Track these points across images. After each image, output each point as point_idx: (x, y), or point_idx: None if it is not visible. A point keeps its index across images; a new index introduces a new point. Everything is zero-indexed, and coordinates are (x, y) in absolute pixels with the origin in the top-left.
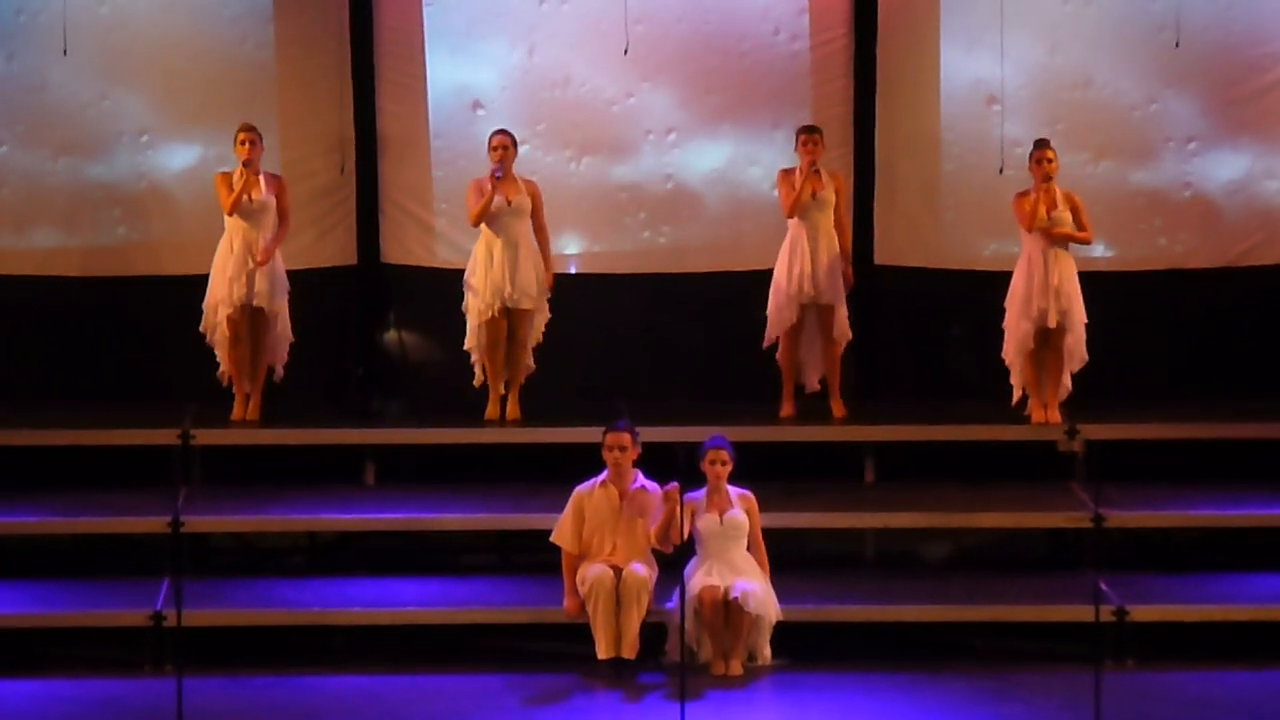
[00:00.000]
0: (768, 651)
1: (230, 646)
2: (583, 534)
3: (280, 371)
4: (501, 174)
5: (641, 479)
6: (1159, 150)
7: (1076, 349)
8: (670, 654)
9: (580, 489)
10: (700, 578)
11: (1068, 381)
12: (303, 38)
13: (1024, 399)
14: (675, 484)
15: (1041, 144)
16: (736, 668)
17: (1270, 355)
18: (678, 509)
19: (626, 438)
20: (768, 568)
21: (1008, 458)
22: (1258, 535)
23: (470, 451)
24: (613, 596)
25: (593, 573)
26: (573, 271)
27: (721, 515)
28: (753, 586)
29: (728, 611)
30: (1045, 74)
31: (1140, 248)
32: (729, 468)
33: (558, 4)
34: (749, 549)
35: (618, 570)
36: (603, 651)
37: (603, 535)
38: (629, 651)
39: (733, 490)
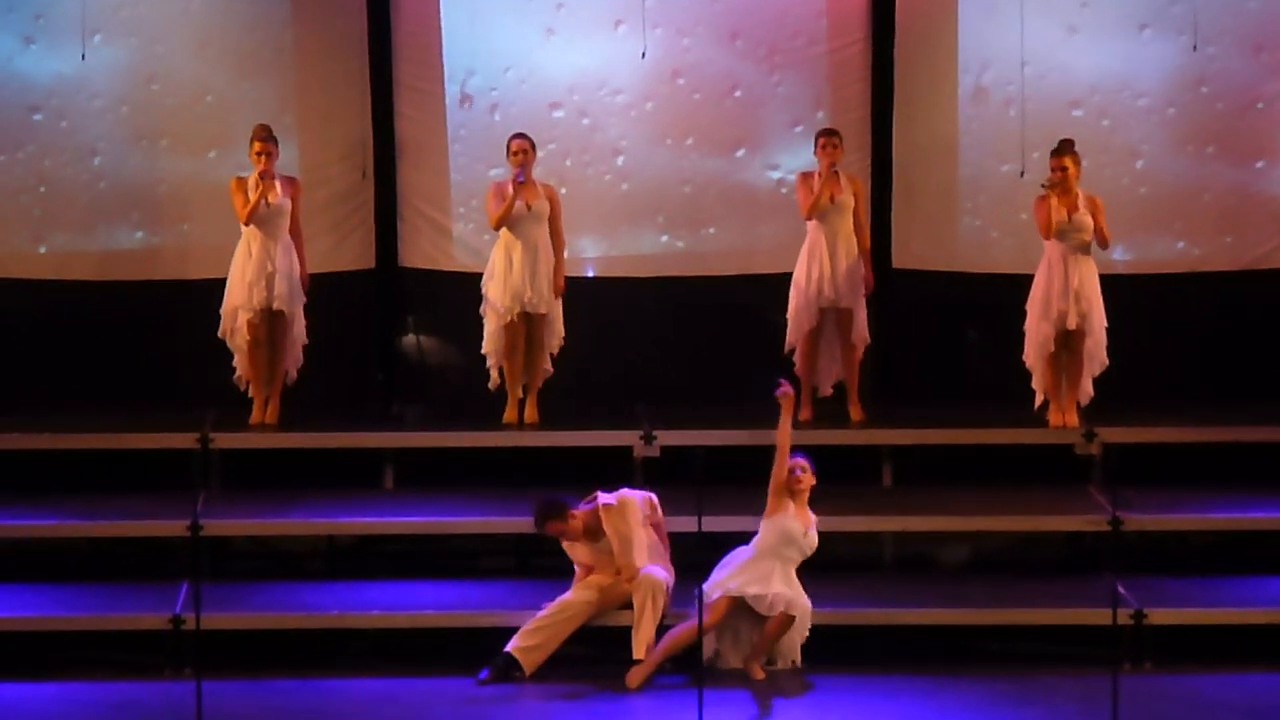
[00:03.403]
0: (798, 655)
1: (249, 650)
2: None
3: (294, 374)
4: (524, 179)
5: (592, 505)
6: (1178, 154)
7: (1096, 352)
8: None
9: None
10: (741, 582)
11: (1089, 386)
12: (321, 44)
13: (1045, 403)
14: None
15: (1058, 151)
16: (758, 672)
17: None
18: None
19: (554, 526)
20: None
21: (1025, 461)
22: (1276, 538)
23: (489, 455)
24: (576, 622)
25: (569, 594)
26: (590, 275)
27: (806, 530)
28: (799, 599)
29: (751, 616)
30: (1063, 77)
31: (1159, 251)
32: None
33: (576, 8)
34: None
35: (603, 591)
36: (520, 654)
37: (600, 568)
38: (642, 652)
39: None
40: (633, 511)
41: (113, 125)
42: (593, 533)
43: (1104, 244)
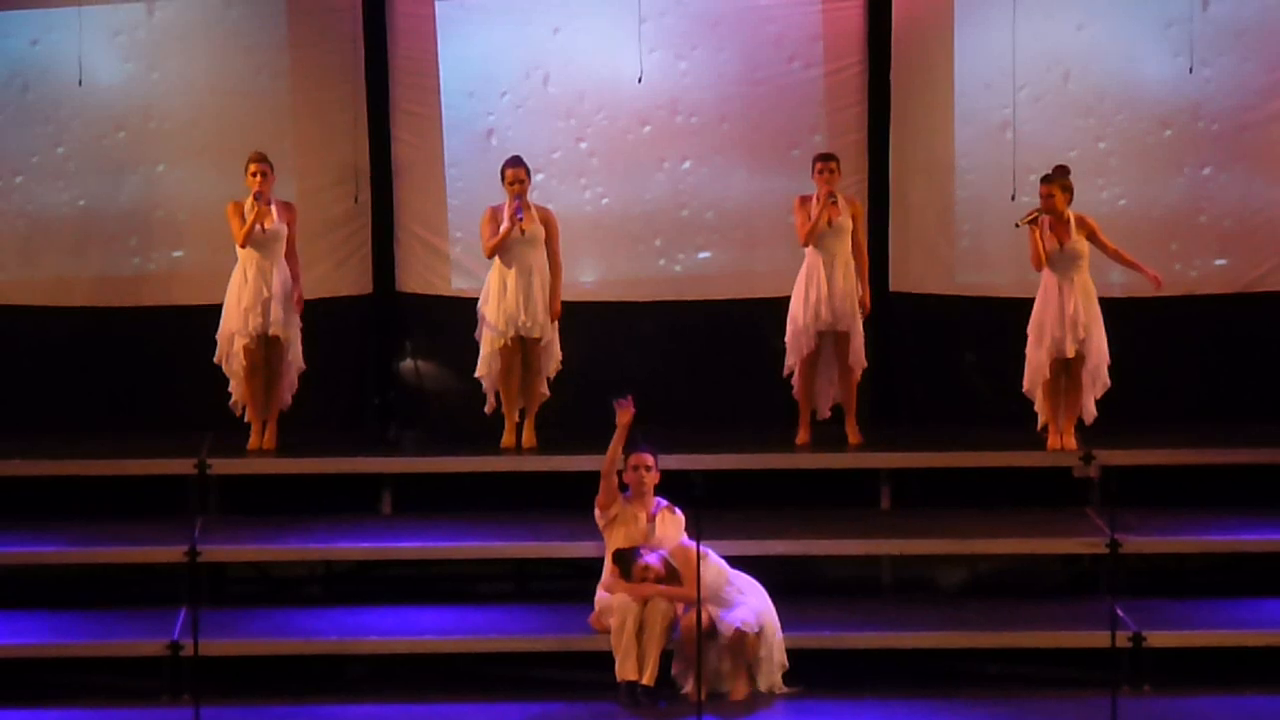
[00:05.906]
0: (778, 678)
1: (247, 676)
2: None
3: (288, 399)
4: (522, 215)
5: (663, 501)
6: (1173, 176)
7: (1098, 374)
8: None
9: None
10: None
11: (1092, 406)
12: (317, 68)
13: (1046, 425)
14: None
15: (1046, 178)
16: (740, 691)
17: None
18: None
19: (649, 458)
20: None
21: (1024, 484)
22: (1274, 560)
23: (487, 480)
24: (638, 621)
25: (620, 599)
26: (587, 299)
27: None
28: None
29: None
30: (1059, 100)
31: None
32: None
33: (572, 33)
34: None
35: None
36: (625, 673)
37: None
38: (649, 679)
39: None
40: (688, 555)
41: (109, 150)
42: (642, 501)
43: (1117, 257)
